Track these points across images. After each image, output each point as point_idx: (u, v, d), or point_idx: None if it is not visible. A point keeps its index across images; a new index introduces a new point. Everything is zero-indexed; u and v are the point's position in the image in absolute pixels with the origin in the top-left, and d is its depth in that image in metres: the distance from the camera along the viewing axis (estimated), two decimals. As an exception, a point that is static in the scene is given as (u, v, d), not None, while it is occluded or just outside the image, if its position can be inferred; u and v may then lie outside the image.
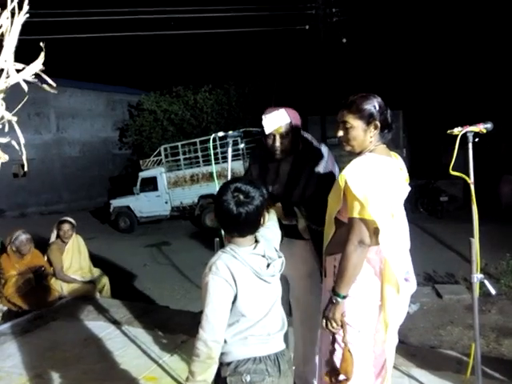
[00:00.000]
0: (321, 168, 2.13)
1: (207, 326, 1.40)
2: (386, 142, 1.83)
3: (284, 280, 2.23)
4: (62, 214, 6.64)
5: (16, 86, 1.21)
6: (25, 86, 1.18)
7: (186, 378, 1.45)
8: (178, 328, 3.49)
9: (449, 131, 2.18)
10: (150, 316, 3.87)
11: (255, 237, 1.53)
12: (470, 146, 2.18)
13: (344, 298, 1.70)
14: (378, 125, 1.76)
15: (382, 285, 1.74)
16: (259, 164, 2.33)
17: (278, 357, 1.50)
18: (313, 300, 2.12)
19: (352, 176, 1.68)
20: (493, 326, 4.05)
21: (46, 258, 4.53)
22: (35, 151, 16.32)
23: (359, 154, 1.80)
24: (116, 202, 12.75)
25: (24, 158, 1.21)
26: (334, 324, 1.72)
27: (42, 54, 1.21)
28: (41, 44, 1.22)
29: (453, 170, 2.11)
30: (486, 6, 14.34)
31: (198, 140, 12.43)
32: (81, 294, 4.47)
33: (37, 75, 1.23)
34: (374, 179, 1.66)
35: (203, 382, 1.41)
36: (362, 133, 1.77)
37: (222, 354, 1.47)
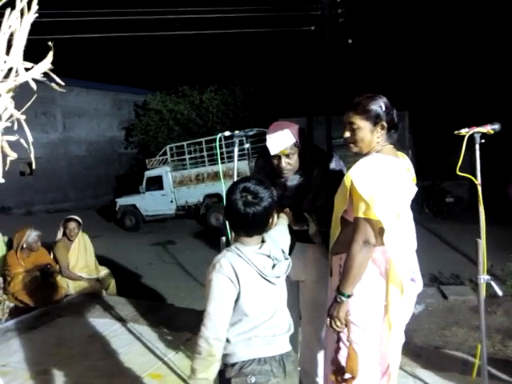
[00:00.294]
0: (330, 177, 2.08)
1: (209, 323, 1.40)
2: (393, 143, 1.83)
3: (295, 286, 2.23)
4: (68, 213, 6.68)
5: (23, 85, 1.23)
6: (33, 85, 1.19)
7: (189, 375, 1.46)
8: (183, 326, 3.50)
9: (456, 132, 2.17)
10: (155, 314, 3.89)
11: (262, 237, 1.53)
12: (477, 146, 2.17)
13: (349, 297, 1.70)
14: (385, 125, 1.76)
15: (386, 285, 1.73)
16: (265, 178, 2.29)
17: (284, 358, 1.49)
18: (322, 301, 2.12)
19: (358, 176, 1.67)
20: (498, 327, 4.02)
21: (52, 256, 4.58)
22: (42, 150, 16.46)
23: (366, 154, 1.80)
24: (122, 201, 12.82)
25: (32, 156, 1.22)
26: (339, 323, 1.72)
27: (51, 53, 1.23)
28: (49, 43, 1.23)
29: (459, 171, 2.10)
30: (494, 6, 14.24)
31: (203, 140, 12.48)
32: (87, 292, 4.51)
33: (45, 74, 1.24)
34: (380, 179, 1.66)
35: (205, 380, 1.41)
36: (369, 134, 1.77)
37: (226, 355, 1.47)
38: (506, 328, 4.01)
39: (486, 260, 2.22)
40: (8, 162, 1.25)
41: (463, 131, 2.15)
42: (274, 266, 1.48)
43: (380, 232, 1.67)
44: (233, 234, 2.22)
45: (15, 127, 1.24)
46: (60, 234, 4.70)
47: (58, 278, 4.45)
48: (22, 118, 1.24)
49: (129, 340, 3.34)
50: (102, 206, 16.75)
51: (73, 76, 17.37)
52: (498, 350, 3.61)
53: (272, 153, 2.07)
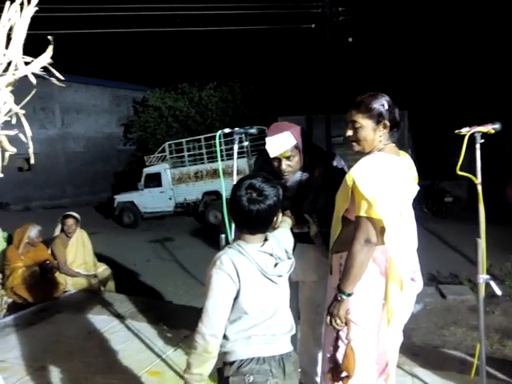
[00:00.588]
0: (331, 177, 2.06)
1: (207, 319, 1.40)
2: (395, 141, 1.82)
3: (294, 287, 2.23)
4: (65, 209, 6.67)
5: (22, 80, 1.21)
6: (33, 79, 1.18)
7: (184, 369, 1.45)
8: (181, 323, 3.50)
9: (457, 131, 2.16)
10: (153, 310, 3.88)
11: (266, 236, 1.52)
12: (478, 146, 2.16)
13: (349, 295, 1.70)
14: (388, 124, 1.75)
15: (386, 283, 1.73)
16: None
17: (284, 358, 1.48)
18: (321, 301, 2.11)
19: (360, 175, 1.67)
20: (496, 327, 4.03)
21: (49, 252, 4.56)
22: (40, 146, 16.38)
23: (368, 153, 1.79)
24: (120, 198, 12.79)
25: (31, 151, 1.21)
26: (339, 321, 1.72)
27: (51, 48, 1.21)
28: (49, 37, 1.22)
29: (459, 170, 2.10)
30: (495, 5, 14.23)
31: (202, 137, 12.46)
32: (85, 288, 4.50)
33: (44, 69, 1.23)
34: (382, 178, 1.65)
35: (199, 376, 1.41)
36: (371, 132, 1.76)
37: (226, 353, 1.46)
38: (504, 327, 4.02)
39: (486, 259, 2.22)
40: (7, 156, 1.23)
41: (464, 130, 2.14)
42: (276, 264, 1.47)
43: (381, 231, 1.67)
44: (232, 232, 2.21)
45: (13, 122, 1.23)
46: (58, 231, 4.69)
47: (56, 274, 4.44)
48: (22, 112, 1.23)
49: (127, 337, 3.33)
50: (100, 202, 16.70)
51: (71, 72, 17.27)
52: (496, 349, 3.62)
53: (271, 156, 2.03)
